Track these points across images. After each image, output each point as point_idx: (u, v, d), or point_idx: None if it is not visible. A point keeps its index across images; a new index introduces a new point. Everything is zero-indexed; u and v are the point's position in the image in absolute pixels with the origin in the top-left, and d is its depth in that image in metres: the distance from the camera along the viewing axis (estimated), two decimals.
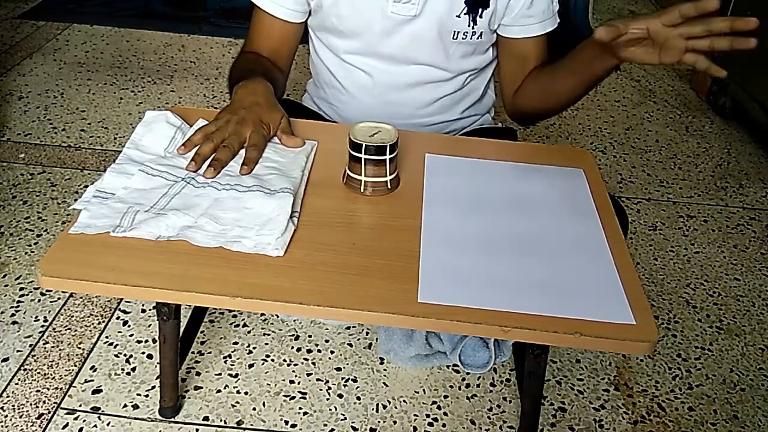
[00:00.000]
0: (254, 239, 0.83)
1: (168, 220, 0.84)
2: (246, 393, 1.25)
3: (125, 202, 0.87)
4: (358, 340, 1.38)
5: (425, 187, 0.98)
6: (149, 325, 1.38)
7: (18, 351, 1.30)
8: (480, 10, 1.12)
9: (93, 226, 0.83)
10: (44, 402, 1.20)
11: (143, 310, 1.41)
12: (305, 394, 1.26)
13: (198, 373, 1.28)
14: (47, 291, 1.43)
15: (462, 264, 0.84)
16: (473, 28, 1.13)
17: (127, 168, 0.93)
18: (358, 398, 1.26)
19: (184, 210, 0.85)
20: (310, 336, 1.38)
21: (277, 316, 1.41)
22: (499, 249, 0.87)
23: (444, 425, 1.22)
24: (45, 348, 1.31)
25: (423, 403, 1.26)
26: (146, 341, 1.34)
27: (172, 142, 0.99)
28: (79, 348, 1.32)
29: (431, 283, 0.81)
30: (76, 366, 1.28)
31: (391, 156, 0.94)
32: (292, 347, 1.35)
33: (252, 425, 1.19)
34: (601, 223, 0.93)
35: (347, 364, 1.33)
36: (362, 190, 0.95)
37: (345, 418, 1.22)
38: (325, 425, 1.20)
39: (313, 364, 1.32)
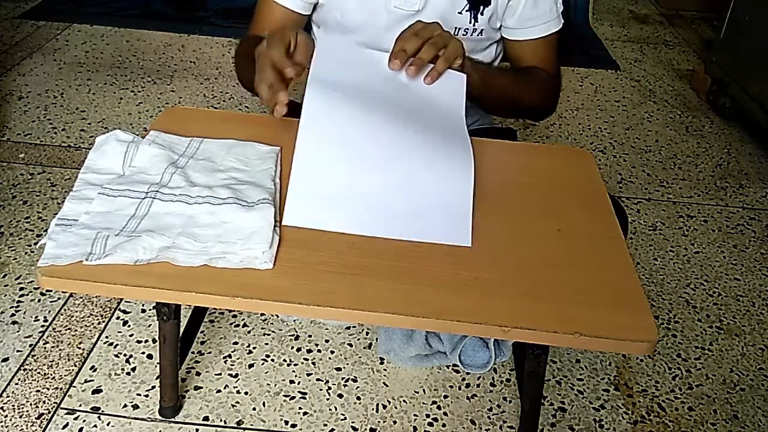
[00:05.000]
0: (240, 254, 0.80)
1: (144, 243, 0.79)
2: (246, 393, 1.25)
3: (91, 227, 0.82)
4: (358, 340, 1.38)
5: (311, 71, 0.95)
6: (149, 325, 1.38)
7: (18, 351, 1.30)
8: (481, 7, 1.12)
9: (63, 257, 0.78)
10: (44, 402, 1.20)
11: (143, 310, 1.41)
12: (305, 394, 1.26)
13: (198, 373, 1.28)
14: (47, 291, 1.43)
15: (330, 180, 0.89)
16: (474, 25, 1.14)
17: (85, 193, 0.88)
18: (358, 398, 1.26)
19: (158, 231, 0.82)
20: (310, 336, 1.38)
21: (277, 316, 1.41)
22: (369, 158, 0.90)
23: (444, 425, 1.22)
24: (45, 348, 1.31)
25: (423, 403, 1.26)
26: (146, 341, 1.34)
27: (126, 158, 0.94)
28: (79, 348, 1.32)
29: (297, 205, 0.87)
30: (76, 366, 1.28)
31: None
32: (292, 347, 1.35)
33: (252, 425, 1.19)
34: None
35: (347, 364, 1.33)
36: None
37: (345, 418, 1.22)
38: (325, 425, 1.20)
39: (313, 364, 1.32)
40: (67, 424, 1.16)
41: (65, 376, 1.25)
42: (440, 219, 0.87)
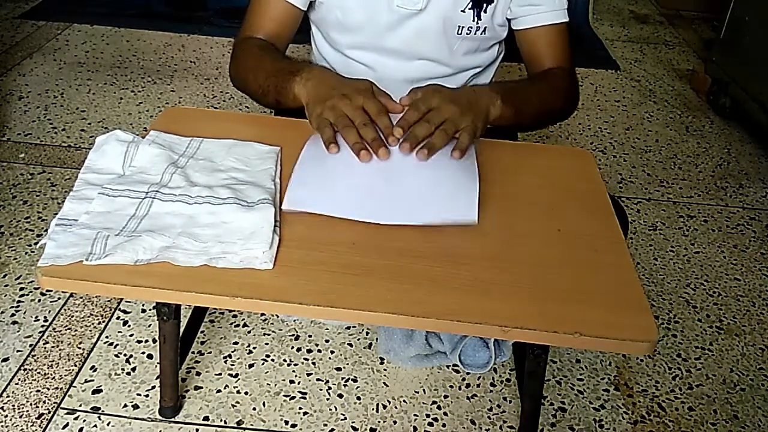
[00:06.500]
0: (240, 254, 0.80)
1: (144, 243, 0.79)
2: (246, 393, 1.25)
3: (91, 227, 0.82)
4: (358, 340, 1.38)
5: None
6: (149, 325, 1.38)
7: (18, 351, 1.30)
8: (484, 5, 1.12)
9: (63, 257, 0.78)
10: (44, 402, 1.20)
11: (143, 310, 1.41)
12: (305, 394, 1.26)
13: (198, 373, 1.28)
14: (47, 291, 1.43)
15: (333, 168, 0.90)
16: (477, 23, 1.13)
17: (86, 193, 0.88)
18: (358, 398, 1.26)
19: (158, 231, 0.81)
20: (310, 336, 1.38)
21: (277, 316, 1.41)
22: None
23: (444, 425, 1.22)
24: (45, 348, 1.31)
25: (423, 403, 1.26)
26: (146, 341, 1.34)
27: (126, 158, 0.95)
28: (79, 348, 1.32)
29: (296, 192, 0.88)
30: (76, 366, 1.28)
31: None
32: (292, 347, 1.35)
33: (252, 425, 1.19)
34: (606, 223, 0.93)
35: (347, 364, 1.33)
36: None
37: (345, 418, 1.22)
38: (325, 425, 1.20)
39: (313, 364, 1.32)
40: (67, 424, 1.16)
41: (65, 376, 1.25)
42: (445, 197, 0.88)
